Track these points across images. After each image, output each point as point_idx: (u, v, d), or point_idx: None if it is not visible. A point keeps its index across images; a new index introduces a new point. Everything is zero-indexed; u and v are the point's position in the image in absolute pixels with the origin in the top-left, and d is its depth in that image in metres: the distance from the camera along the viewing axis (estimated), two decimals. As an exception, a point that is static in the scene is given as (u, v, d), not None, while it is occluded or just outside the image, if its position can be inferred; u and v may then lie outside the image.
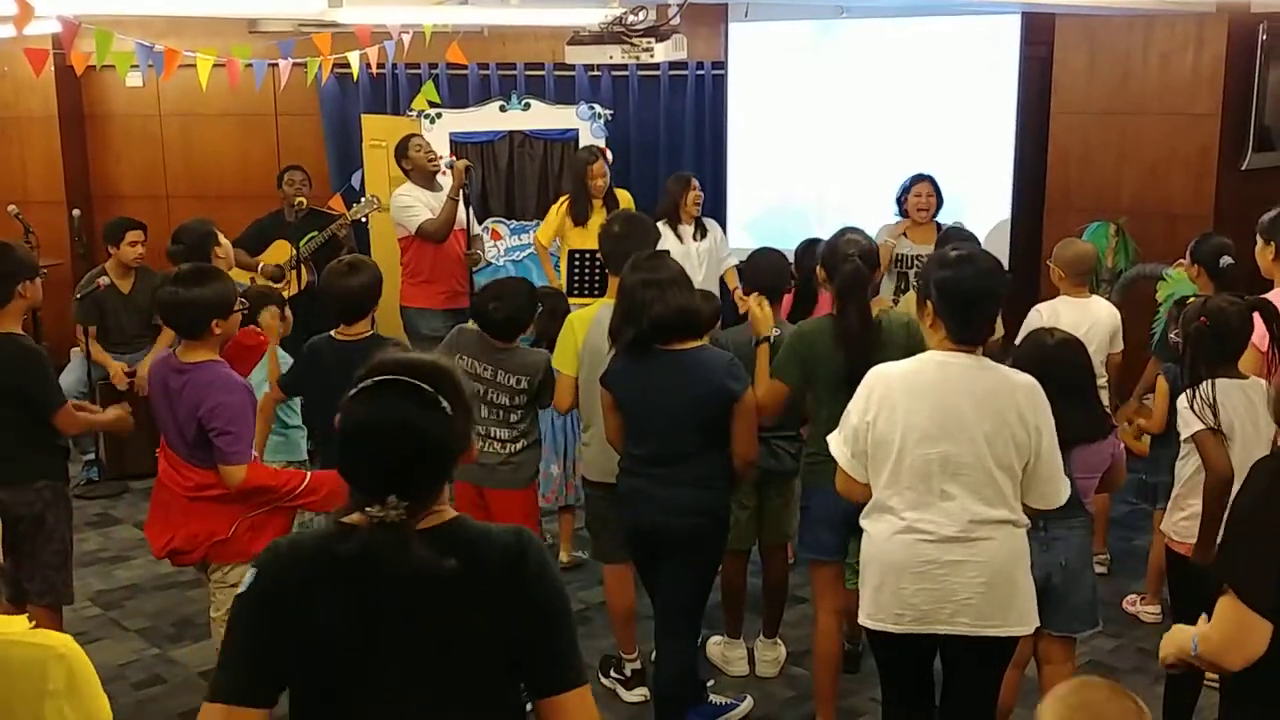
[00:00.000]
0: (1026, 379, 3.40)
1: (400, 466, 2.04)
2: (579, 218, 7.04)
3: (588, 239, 6.75)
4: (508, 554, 2.12)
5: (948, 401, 3.33)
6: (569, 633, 2.15)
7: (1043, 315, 5.35)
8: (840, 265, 4.20)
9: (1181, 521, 4.07)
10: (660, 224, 6.90)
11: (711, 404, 4.05)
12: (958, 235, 5.89)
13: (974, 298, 3.36)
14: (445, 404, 2.07)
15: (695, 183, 7.24)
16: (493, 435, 4.71)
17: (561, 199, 7.24)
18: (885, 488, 3.42)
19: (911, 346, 3.91)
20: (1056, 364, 3.79)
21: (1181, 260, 5.54)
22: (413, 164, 6.99)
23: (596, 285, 5.92)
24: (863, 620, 3.52)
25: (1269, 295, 4.30)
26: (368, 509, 2.03)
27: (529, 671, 2.14)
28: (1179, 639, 2.72)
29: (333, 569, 2.07)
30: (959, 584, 3.35)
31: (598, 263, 5.98)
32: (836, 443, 3.54)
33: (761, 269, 4.79)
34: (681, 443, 4.08)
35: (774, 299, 4.73)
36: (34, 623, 2.26)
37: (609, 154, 8.01)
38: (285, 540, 2.25)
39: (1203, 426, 3.86)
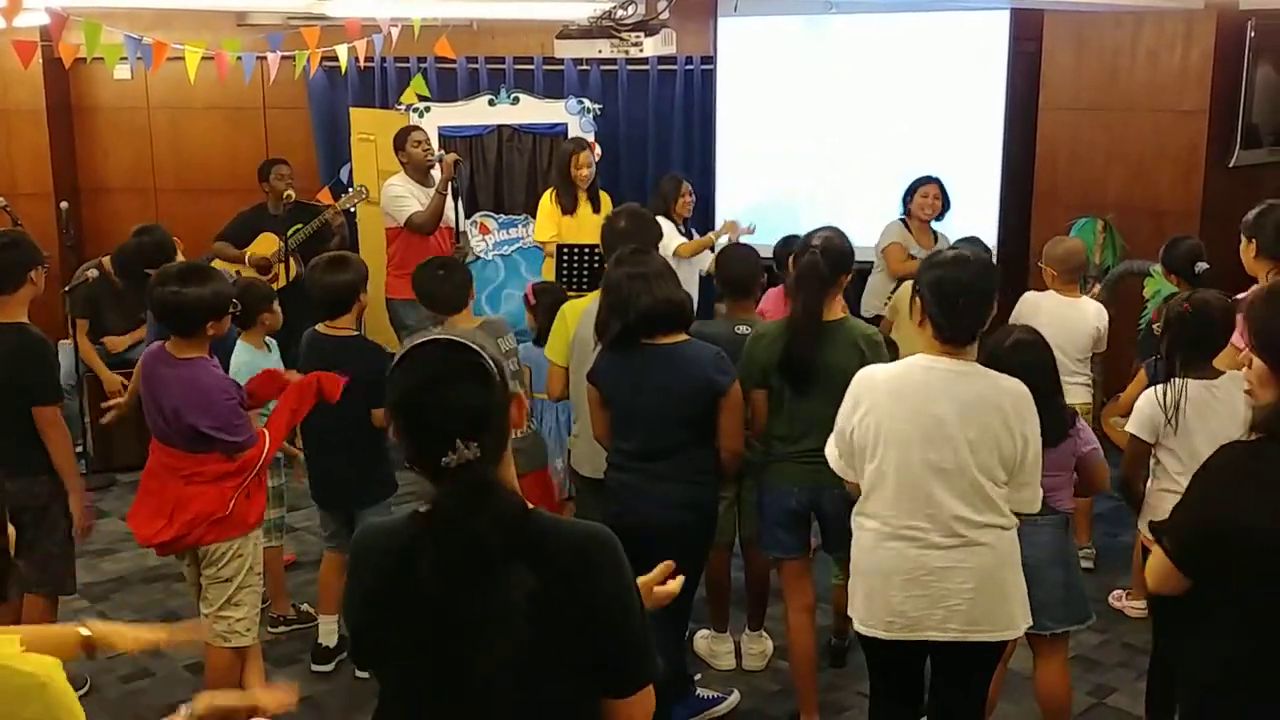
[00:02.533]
0: (1015, 386, 3.39)
1: (460, 413, 2.05)
2: (566, 207, 7.03)
3: (573, 229, 6.75)
4: (583, 546, 2.13)
5: (930, 407, 3.33)
6: (638, 632, 2.16)
7: (1024, 308, 5.38)
8: (800, 256, 4.23)
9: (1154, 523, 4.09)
10: (667, 222, 6.95)
11: (699, 398, 4.06)
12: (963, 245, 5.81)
13: (958, 295, 3.33)
14: (486, 359, 2.09)
15: (687, 186, 7.24)
16: None
17: (548, 192, 7.21)
18: (871, 494, 3.43)
19: (866, 359, 3.92)
20: (1011, 369, 3.60)
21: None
22: (409, 158, 7.01)
23: (586, 280, 5.92)
24: (856, 627, 3.54)
25: (1248, 294, 4.32)
26: (443, 460, 2.03)
27: (598, 670, 2.14)
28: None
29: (421, 531, 2.09)
30: (948, 590, 3.36)
31: (586, 257, 5.98)
32: (831, 451, 3.56)
33: (732, 264, 4.80)
34: (669, 437, 4.09)
35: (744, 294, 4.75)
36: (24, 648, 2.24)
37: (598, 149, 8.02)
38: (374, 522, 2.29)
39: (1141, 433, 4.03)
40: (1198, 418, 3.97)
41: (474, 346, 2.10)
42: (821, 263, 4.15)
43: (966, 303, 3.34)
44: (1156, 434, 4.03)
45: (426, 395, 2.07)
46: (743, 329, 4.58)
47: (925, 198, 6.77)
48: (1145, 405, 4.06)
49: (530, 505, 2.16)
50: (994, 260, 5.90)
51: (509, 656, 2.06)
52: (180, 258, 5.69)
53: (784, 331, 4.22)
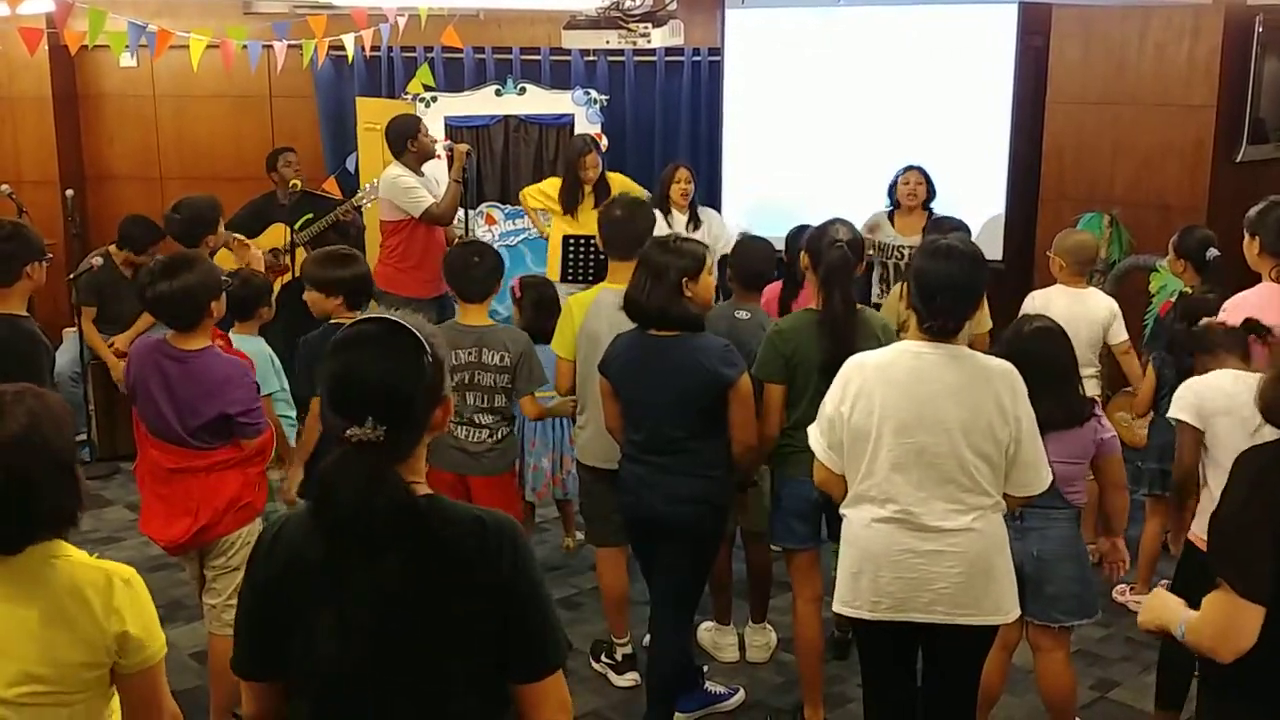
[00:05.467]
0: (1002, 365, 3.41)
1: (380, 393, 2.07)
2: (568, 206, 7.04)
3: (576, 227, 6.74)
4: (478, 532, 2.13)
5: (922, 392, 3.34)
6: (541, 617, 2.15)
7: (1035, 302, 5.38)
8: (826, 252, 4.22)
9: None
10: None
11: (706, 391, 4.06)
12: (946, 225, 5.88)
13: (941, 289, 3.35)
14: (424, 342, 2.12)
15: (684, 173, 7.19)
16: (477, 422, 4.70)
17: (558, 182, 7.21)
18: (863, 479, 3.43)
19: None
20: (1029, 354, 3.77)
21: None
22: (420, 147, 6.78)
23: (591, 271, 5.91)
24: (837, 607, 3.54)
25: (1251, 291, 4.33)
26: (348, 431, 2.06)
27: (505, 655, 2.13)
28: (1162, 612, 2.71)
29: (314, 507, 2.13)
30: (936, 573, 3.37)
31: (593, 248, 5.97)
32: (814, 435, 3.55)
33: (749, 258, 4.80)
34: (678, 430, 4.08)
35: (759, 287, 4.75)
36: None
37: (604, 140, 8.02)
38: (282, 513, 2.30)
39: (1184, 416, 3.94)
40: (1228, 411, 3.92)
41: (419, 335, 2.12)
42: (850, 255, 4.18)
43: (947, 297, 3.35)
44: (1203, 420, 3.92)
45: (355, 368, 2.10)
46: (741, 314, 4.62)
47: (907, 185, 6.88)
48: (1186, 391, 3.97)
49: (429, 493, 2.16)
50: (971, 237, 5.88)
51: (374, 642, 2.08)
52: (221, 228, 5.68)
53: (818, 325, 4.20)
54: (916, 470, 3.35)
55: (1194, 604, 2.61)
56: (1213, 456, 3.87)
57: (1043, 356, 3.85)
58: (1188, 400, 3.96)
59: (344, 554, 2.08)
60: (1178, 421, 3.98)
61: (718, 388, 4.05)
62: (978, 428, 3.32)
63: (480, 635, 2.10)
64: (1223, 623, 2.49)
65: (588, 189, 7.01)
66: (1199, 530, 3.91)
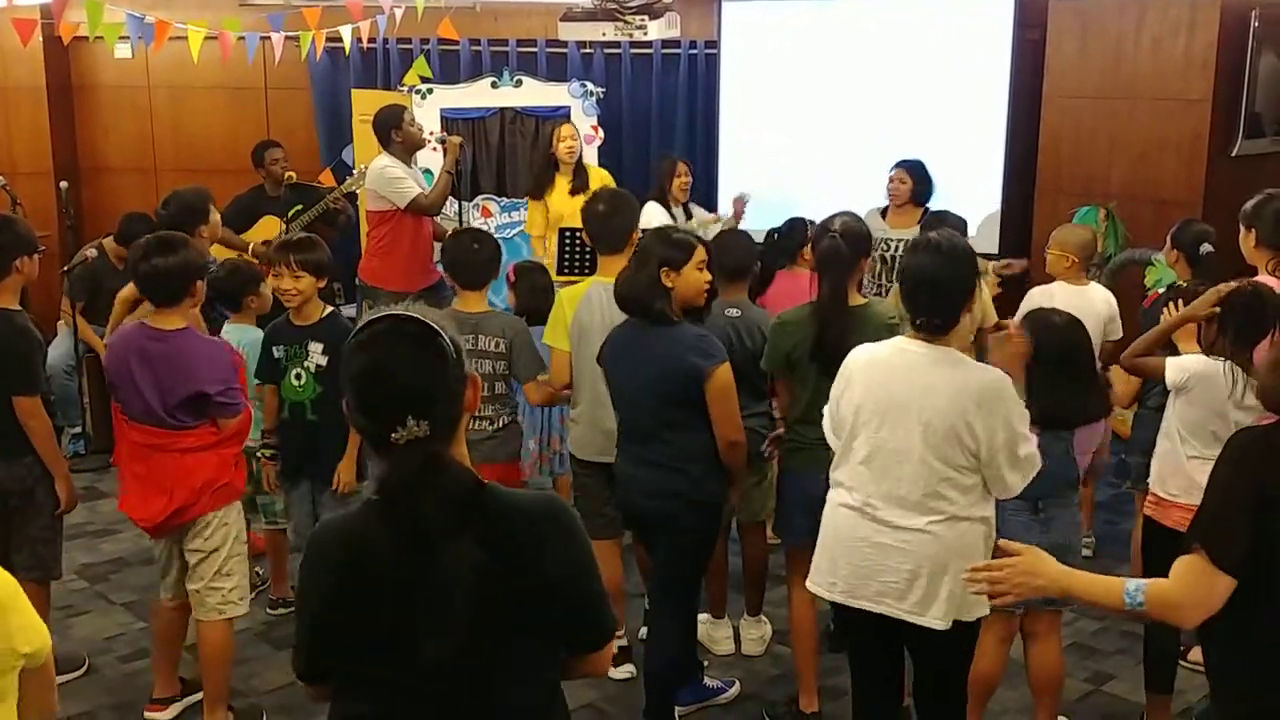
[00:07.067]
0: (992, 377, 3.36)
1: (411, 390, 2.06)
2: (535, 190, 7.13)
3: (540, 210, 6.79)
4: (528, 519, 2.16)
5: (895, 390, 3.36)
6: (588, 600, 2.24)
7: (1038, 298, 5.36)
8: (819, 241, 4.22)
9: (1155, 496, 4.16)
10: (654, 204, 6.95)
11: (677, 382, 3.98)
12: (940, 220, 5.87)
13: (920, 284, 3.36)
14: (445, 340, 2.13)
15: (683, 166, 7.18)
16: (480, 413, 4.69)
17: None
18: (838, 465, 3.50)
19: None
20: (1073, 345, 3.88)
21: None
22: (406, 138, 6.69)
23: (588, 263, 5.91)
24: (808, 584, 3.62)
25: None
26: (393, 435, 2.04)
27: (563, 634, 2.20)
28: (1055, 576, 2.74)
29: (372, 516, 2.11)
30: (885, 566, 3.38)
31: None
32: (825, 421, 3.61)
33: (730, 252, 4.80)
34: (651, 421, 4.06)
35: (739, 279, 4.75)
36: None
37: (599, 133, 8.03)
38: (329, 518, 2.30)
39: (1171, 376, 4.00)
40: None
41: (431, 324, 2.12)
42: (843, 247, 4.15)
43: (925, 292, 3.36)
44: (1180, 388, 3.99)
45: (380, 371, 2.08)
46: (732, 311, 4.60)
47: (891, 182, 6.75)
48: (1193, 363, 4.00)
49: (484, 481, 2.16)
50: (965, 232, 5.88)
51: (457, 630, 2.07)
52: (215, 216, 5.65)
53: (812, 317, 4.21)
54: (879, 464, 3.38)
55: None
56: (1178, 420, 4.00)
57: (1082, 348, 3.94)
58: (1184, 367, 4.01)
59: (413, 550, 2.07)
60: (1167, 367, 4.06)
61: (689, 378, 3.97)
62: (940, 431, 3.29)
63: (538, 618, 2.14)
64: (1200, 589, 2.59)
65: (561, 174, 7.02)
66: (1159, 489, 4.11)
